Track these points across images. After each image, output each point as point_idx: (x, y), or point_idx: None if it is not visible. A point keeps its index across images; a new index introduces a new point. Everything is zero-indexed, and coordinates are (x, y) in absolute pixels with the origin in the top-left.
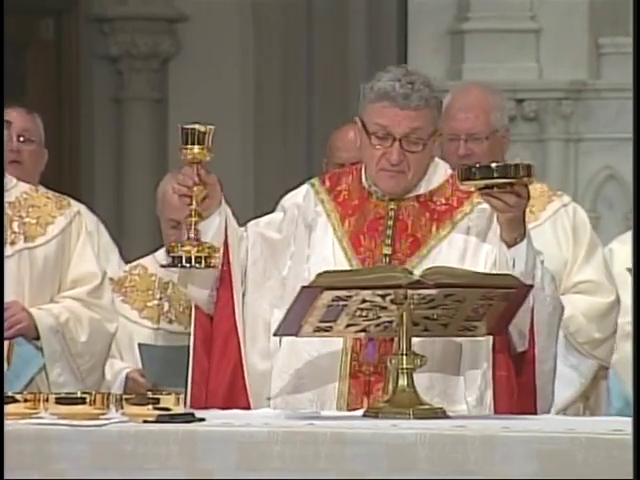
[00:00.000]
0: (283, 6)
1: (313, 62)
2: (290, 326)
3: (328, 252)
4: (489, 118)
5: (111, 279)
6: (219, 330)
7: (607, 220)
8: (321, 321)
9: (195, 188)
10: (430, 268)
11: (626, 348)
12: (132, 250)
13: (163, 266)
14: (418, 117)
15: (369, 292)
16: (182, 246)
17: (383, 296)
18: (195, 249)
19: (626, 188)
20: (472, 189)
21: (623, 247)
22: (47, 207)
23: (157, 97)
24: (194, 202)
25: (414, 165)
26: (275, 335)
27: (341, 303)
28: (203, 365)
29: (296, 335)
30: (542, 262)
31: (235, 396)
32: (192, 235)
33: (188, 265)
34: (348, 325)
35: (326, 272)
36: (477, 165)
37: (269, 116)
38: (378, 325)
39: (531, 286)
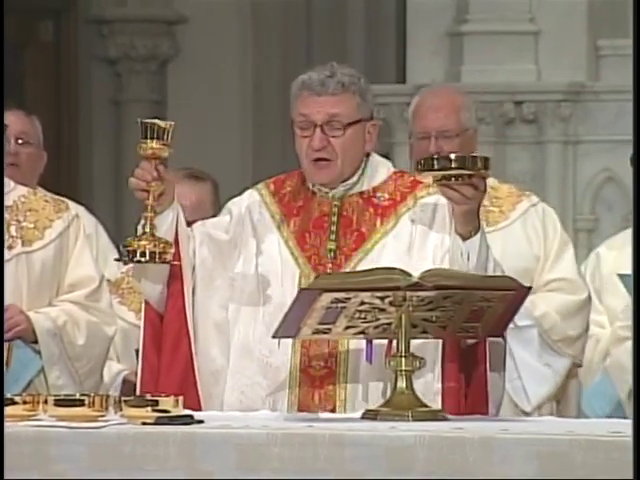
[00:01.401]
0: (282, 7)
1: (312, 63)
2: (289, 328)
3: (274, 252)
4: (459, 117)
5: (108, 280)
6: (170, 326)
7: (606, 222)
8: (320, 323)
9: (153, 184)
10: (428, 270)
11: (619, 352)
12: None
13: (118, 260)
14: (337, 102)
15: (368, 294)
16: (138, 240)
17: (382, 298)
18: (151, 244)
19: (625, 190)
20: (429, 180)
21: (610, 252)
22: (45, 210)
23: (156, 99)
24: (151, 197)
25: (341, 151)
26: (274, 337)
27: (340, 305)
28: (152, 363)
29: (295, 337)
30: (494, 258)
31: (186, 390)
32: (148, 230)
33: (143, 259)
34: (347, 327)
35: (325, 274)
36: (436, 156)
37: (268, 116)
38: (377, 327)
39: (529, 288)
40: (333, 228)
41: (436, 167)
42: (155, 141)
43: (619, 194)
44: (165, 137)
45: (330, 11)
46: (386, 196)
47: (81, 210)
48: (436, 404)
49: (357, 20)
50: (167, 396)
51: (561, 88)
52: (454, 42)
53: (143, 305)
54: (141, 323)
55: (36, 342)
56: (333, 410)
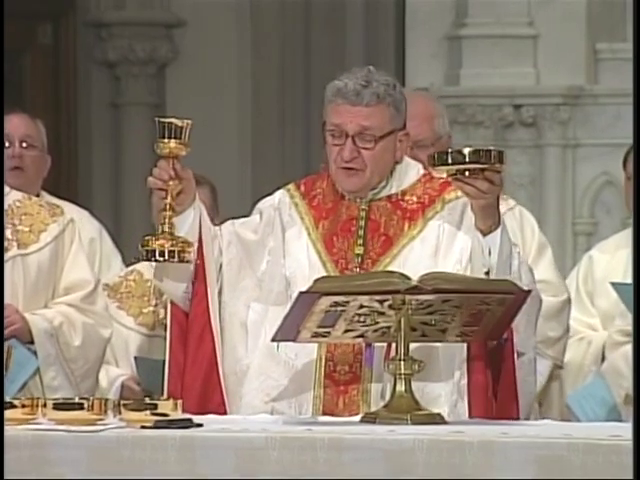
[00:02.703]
0: (281, 11)
1: (310, 67)
2: (288, 332)
3: (302, 255)
4: (433, 125)
5: (106, 285)
6: (195, 325)
7: (604, 226)
8: (319, 327)
9: (170, 182)
10: (428, 273)
11: (615, 357)
12: (129, 255)
13: (137, 259)
14: (370, 114)
15: (367, 298)
16: (156, 240)
17: (381, 301)
18: (169, 243)
19: (624, 194)
20: (444, 175)
21: (603, 256)
22: (40, 215)
23: (155, 102)
24: (169, 196)
25: (371, 162)
26: (273, 341)
27: (339, 309)
28: (179, 360)
29: (294, 341)
30: (519, 253)
31: (210, 391)
32: (166, 229)
33: (161, 259)
34: (346, 331)
35: (324, 277)
36: (450, 150)
37: (267, 120)
38: (376, 331)
39: (529, 291)
40: (360, 232)
41: (450, 162)
42: (172, 140)
43: (618, 197)
44: (182, 136)
45: (329, 15)
46: (414, 199)
47: (85, 215)
48: (462, 401)
49: (356, 23)
50: (168, 398)
51: (560, 91)
52: (453, 45)
53: (169, 305)
54: (167, 323)
55: (32, 343)
56: (357, 415)
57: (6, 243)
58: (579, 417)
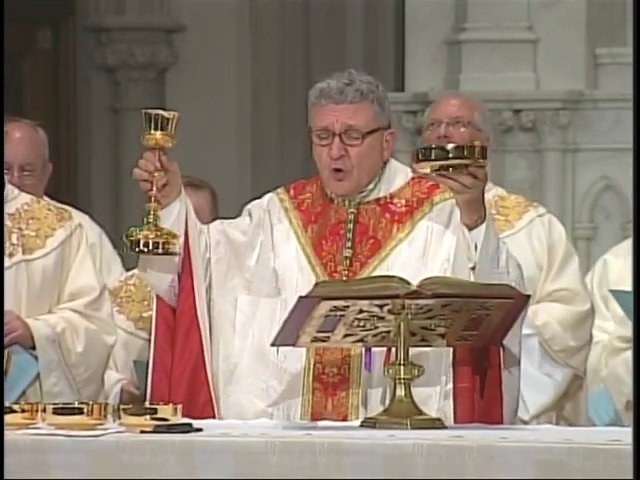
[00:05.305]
0: (280, 15)
1: (310, 71)
2: (287, 336)
3: (292, 258)
4: (473, 113)
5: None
6: (182, 320)
7: (604, 230)
8: (319, 331)
9: (156, 174)
10: (428, 278)
11: (615, 364)
12: (129, 260)
13: (121, 250)
14: (356, 111)
15: (366, 302)
16: (140, 231)
17: (381, 306)
18: (153, 234)
19: (623, 198)
20: (427, 170)
21: (617, 260)
22: (47, 219)
23: (154, 107)
24: (154, 188)
25: (358, 161)
26: (273, 345)
27: (338, 313)
28: (164, 357)
29: (294, 345)
30: (507, 249)
31: (197, 389)
32: (151, 220)
33: (145, 250)
34: (345, 335)
35: (323, 282)
36: (432, 146)
37: (267, 123)
38: (376, 335)
39: (528, 296)
40: (349, 235)
41: (433, 157)
42: (158, 131)
43: (617, 202)
44: (168, 127)
45: (329, 19)
46: (403, 202)
47: (86, 219)
48: (448, 406)
49: (356, 28)
50: (167, 403)
51: (559, 96)
52: (453, 50)
53: (154, 300)
54: (153, 319)
55: (34, 348)
56: (345, 417)
57: (11, 248)
58: (594, 421)
